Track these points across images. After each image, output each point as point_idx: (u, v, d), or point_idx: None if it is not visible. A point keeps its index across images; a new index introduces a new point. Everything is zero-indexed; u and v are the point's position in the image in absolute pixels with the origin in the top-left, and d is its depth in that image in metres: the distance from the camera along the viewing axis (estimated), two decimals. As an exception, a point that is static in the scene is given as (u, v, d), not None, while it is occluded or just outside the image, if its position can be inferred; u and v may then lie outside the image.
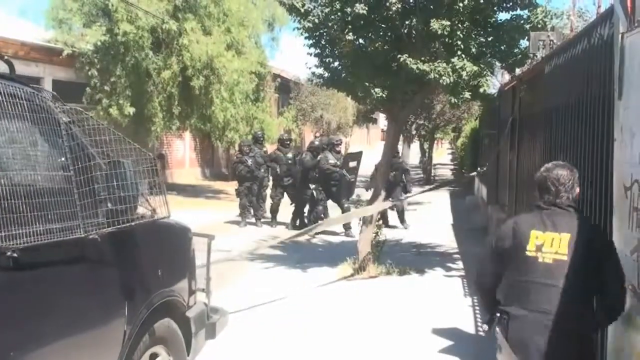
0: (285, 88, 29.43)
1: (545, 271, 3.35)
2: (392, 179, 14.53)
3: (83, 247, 3.14)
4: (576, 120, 5.22)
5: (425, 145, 27.61)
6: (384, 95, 8.23)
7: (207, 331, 4.58)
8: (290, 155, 13.88)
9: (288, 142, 14.48)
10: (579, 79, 5.13)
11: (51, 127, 3.09)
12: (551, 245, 3.36)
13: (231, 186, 17.53)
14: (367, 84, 8.29)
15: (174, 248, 4.36)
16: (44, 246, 2.77)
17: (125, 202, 3.23)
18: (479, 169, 13.34)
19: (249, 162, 13.72)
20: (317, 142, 13.85)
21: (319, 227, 10.33)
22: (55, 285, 2.99)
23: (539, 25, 7.67)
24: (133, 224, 3.32)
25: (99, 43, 16.12)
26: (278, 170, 13.72)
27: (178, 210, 14.48)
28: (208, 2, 17.56)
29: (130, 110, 16.30)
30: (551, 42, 6.76)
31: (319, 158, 13.21)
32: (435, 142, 32.06)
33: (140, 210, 3.55)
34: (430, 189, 14.82)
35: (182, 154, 24.45)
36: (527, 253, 3.40)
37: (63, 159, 3.12)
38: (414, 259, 10.20)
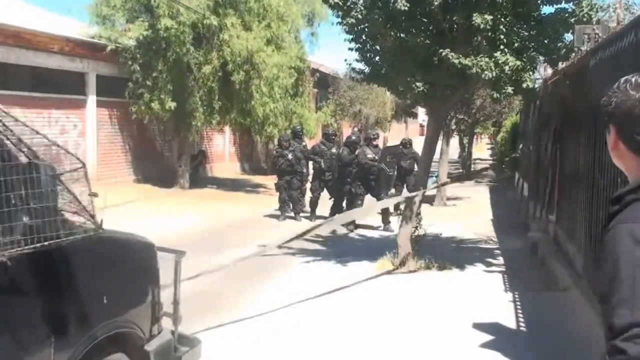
0: (324, 83, 29.40)
1: None
2: (407, 167, 14.67)
3: None
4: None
5: (465, 140, 27.34)
6: (425, 90, 8.22)
7: None
8: (334, 150, 13.89)
9: (333, 137, 14.50)
10: (627, 72, 5.05)
11: None
12: None
13: (270, 180, 17.67)
14: (408, 78, 8.29)
15: (129, 268, 3.67)
16: None
17: (45, 215, 2.65)
18: (515, 152, 13.27)
19: (289, 156, 13.78)
20: (354, 137, 13.85)
21: (338, 221, 10.41)
22: None
23: (584, 19, 7.56)
24: (59, 241, 2.69)
25: (141, 38, 16.39)
26: (322, 164, 13.73)
27: (218, 204, 14.74)
28: (248, -2, 17.68)
29: (171, 104, 16.51)
30: (596, 36, 6.67)
31: (357, 153, 13.24)
32: (475, 137, 31.73)
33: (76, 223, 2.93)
34: (452, 181, 14.76)
35: (222, 148, 24.70)
36: None
37: None
38: (454, 254, 10.16)
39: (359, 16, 8.21)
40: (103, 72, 17.07)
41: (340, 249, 10.63)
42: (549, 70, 11.40)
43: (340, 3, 8.28)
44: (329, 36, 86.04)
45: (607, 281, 1.61)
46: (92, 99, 16.80)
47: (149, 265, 3.81)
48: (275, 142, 16.77)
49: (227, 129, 23.16)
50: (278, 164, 13.97)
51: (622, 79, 1.80)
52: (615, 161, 1.85)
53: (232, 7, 17.40)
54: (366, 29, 8.57)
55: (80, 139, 16.46)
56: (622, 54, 5.27)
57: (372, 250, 10.11)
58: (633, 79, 1.79)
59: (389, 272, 8.86)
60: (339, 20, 8.63)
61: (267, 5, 18.47)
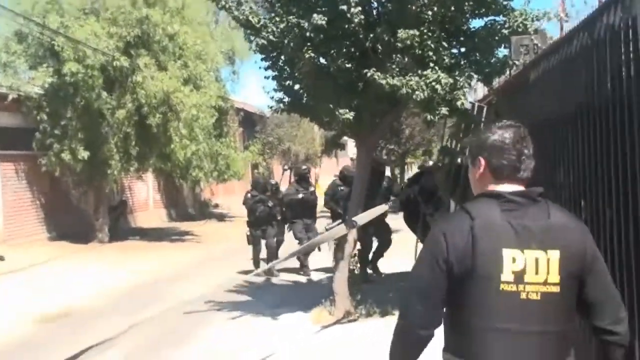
0: (250, 122, 28.78)
1: (528, 313, 2.17)
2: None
3: None
4: (577, 130, 4.44)
5: (397, 171, 26.93)
6: (350, 117, 7.38)
7: None
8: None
9: (351, 178, 13.10)
10: (579, 79, 4.36)
11: None
12: (536, 271, 2.17)
13: (197, 226, 16.53)
14: (330, 105, 7.44)
15: None
16: None
17: None
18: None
19: (269, 202, 12.33)
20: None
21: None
22: None
23: (519, 29, 6.91)
24: None
25: (46, 85, 15.24)
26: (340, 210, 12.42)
27: (139, 257, 13.50)
28: (161, 37, 16.71)
29: (84, 154, 15.31)
30: (535, 47, 6.01)
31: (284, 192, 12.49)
32: (406, 166, 31.47)
33: None
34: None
35: (145, 196, 23.39)
36: (503, 287, 2.17)
37: None
38: (395, 294, 9.32)
39: (271, 37, 7.38)
40: (5, 123, 15.70)
41: (271, 299, 9.65)
42: (480, 93, 10.80)
43: (253, 21, 7.46)
44: (253, 74, 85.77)
45: None
46: (-6, 154, 15.44)
47: None
48: (202, 185, 15.57)
49: (149, 175, 21.96)
50: (258, 211, 12.32)
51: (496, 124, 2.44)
52: (475, 185, 2.44)
53: (145, 47, 16.43)
54: (282, 53, 7.72)
55: (-16, 197, 15.06)
56: (573, 60, 4.57)
57: (306, 297, 9.17)
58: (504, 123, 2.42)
59: (325, 323, 7.92)
60: (253, 46, 7.82)
61: (183, 44, 17.59)
